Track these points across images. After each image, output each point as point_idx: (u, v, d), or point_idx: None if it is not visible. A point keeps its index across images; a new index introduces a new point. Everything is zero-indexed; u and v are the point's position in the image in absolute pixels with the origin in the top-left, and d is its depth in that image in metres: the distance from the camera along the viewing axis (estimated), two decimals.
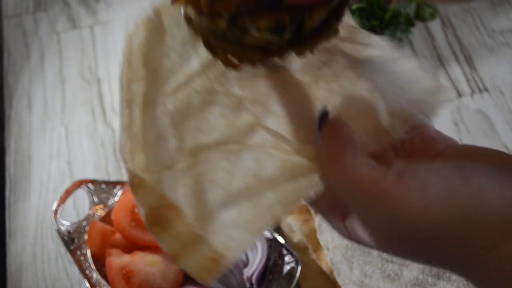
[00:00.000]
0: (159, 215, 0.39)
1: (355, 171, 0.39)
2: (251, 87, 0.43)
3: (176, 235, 0.39)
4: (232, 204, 0.40)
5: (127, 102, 0.43)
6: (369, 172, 0.39)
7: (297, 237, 0.84)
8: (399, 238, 0.39)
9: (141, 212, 0.40)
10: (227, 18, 0.39)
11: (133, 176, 0.40)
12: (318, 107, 0.43)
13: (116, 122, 1.04)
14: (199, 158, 0.41)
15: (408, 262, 0.77)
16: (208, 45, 0.42)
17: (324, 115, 0.43)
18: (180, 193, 0.40)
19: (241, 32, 0.39)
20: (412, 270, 0.76)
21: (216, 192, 0.40)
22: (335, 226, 0.44)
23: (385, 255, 0.78)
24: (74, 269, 0.90)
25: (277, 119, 0.43)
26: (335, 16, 0.40)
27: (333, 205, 0.44)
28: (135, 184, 0.40)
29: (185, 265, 0.39)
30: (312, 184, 0.41)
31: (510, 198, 0.37)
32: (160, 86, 0.43)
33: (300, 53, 0.41)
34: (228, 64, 0.41)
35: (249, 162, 0.41)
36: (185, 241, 0.39)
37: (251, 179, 0.41)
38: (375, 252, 0.78)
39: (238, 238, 0.40)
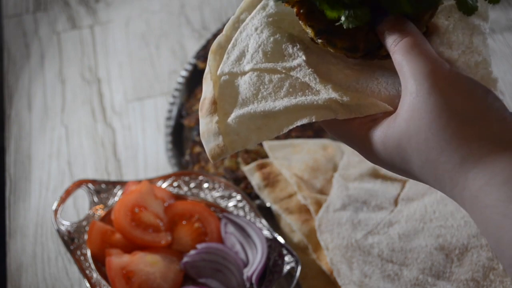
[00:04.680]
0: (204, 103, 0.56)
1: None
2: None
3: (207, 122, 0.55)
4: (249, 110, 0.53)
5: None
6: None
7: (297, 237, 0.84)
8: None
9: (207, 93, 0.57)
10: (315, 30, 0.51)
11: (211, 71, 0.58)
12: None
13: (116, 122, 1.05)
14: (251, 74, 0.55)
15: (408, 262, 0.77)
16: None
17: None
18: (226, 93, 0.56)
19: (322, 43, 0.51)
20: (412, 270, 0.76)
21: (245, 99, 0.55)
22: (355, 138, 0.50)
23: (385, 255, 0.78)
24: (74, 269, 0.90)
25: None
26: None
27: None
28: (206, 78, 0.58)
29: (204, 143, 0.55)
30: (319, 109, 0.51)
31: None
32: None
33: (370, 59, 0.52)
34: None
35: (284, 88, 0.53)
36: (209, 128, 0.55)
37: (272, 96, 0.53)
38: (375, 252, 0.78)
39: (244, 136, 0.54)
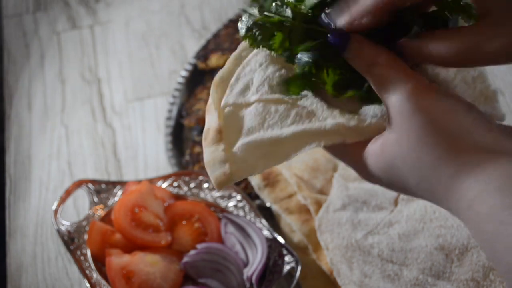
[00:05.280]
0: (208, 132, 0.57)
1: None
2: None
3: (213, 151, 0.56)
4: (256, 137, 0.54)
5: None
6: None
7: (297, 237, 0.84)
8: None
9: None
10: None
11: (214, 102, 0.58)
12: None
13: (116, 122, 1.05)
14: (256, 104, 0.56)
15: (408, 262, 0.77)
16: None
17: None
18: (231, 123, 0.56)
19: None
20: (412, 270, 0.76)
21: (250, 128, 0.55)
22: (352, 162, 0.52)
23: (385, 255, 0.78)
24: (74, 269, 0.90)
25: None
26: None
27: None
28: (210, 109, 0.58)
29: (209, 171, 0.56)
30: (325, 133, 0.52)
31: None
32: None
33: None
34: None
35: (290, 117, 0.54)
36: (214, 156, 0.56)
37: (278, 125, 0.54)
38: (375, 252, 0.78)
39: (251, 163, 0.54)
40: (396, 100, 0.46)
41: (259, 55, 0.60)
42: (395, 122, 0.46)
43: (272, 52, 0.57)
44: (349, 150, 0.52)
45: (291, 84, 0.54)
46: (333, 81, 0.53)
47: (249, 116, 0.57)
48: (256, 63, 0.60)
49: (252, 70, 0.60)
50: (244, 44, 0.61)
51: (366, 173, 0.51)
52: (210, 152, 0.57)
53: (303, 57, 0.52)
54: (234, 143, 0.57)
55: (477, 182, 0.42)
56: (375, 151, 0.48)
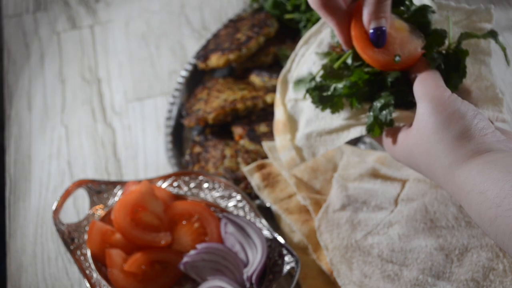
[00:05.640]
0: (278, 124, 0.75)
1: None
2: None
3: (282, 139, 0.74)
4: (313, 128, 0.71)
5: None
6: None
7: (297, 237, 0.84)
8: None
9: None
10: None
11: (281, 98, 0.77)
12: None
13: (116, 122, 1.05)
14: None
15: (408, 262, 0.77)
16: None
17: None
18: (293, 116, 0.75)
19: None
20: (412, 270, 0.76)
21: (309, 119, 0.72)
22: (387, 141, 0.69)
23: (384, 256, 0.78)
24: (74, 269, 0.90)
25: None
26: None
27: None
28: (277, 103, 0.78)
29: (281, 156, 0.74)
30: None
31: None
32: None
33: None
34: None
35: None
36: (283, 144, 0.73)
37: (329, 116, 0.71)
38: (375, 253, 0.78)
39: (313, 148, 0.72)
40: (422, 102, 0.61)
41: (312, 54, 0.73)
42: (418, 119, 0.62)
43: (324, 51, 0.72)
44: (384, 136, 0.69)
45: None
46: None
47: (307, 108, 0.71)
48: (310, 61, 0.73)
49: (308, 67, 0.73)
50: (300, 43, 0.76)
51: (393, 154, 0.68)
52: (280, 141, 0.73)
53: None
54: (298, 132, 0.72)
55: (464, 172, 0.57)
56: (400, 140, 0.65)
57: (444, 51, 0.68)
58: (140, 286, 0.80)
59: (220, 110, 0.94)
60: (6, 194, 1.00)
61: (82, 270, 0.80)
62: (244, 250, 0.81)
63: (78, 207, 0.95)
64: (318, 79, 0.70)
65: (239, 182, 0.90)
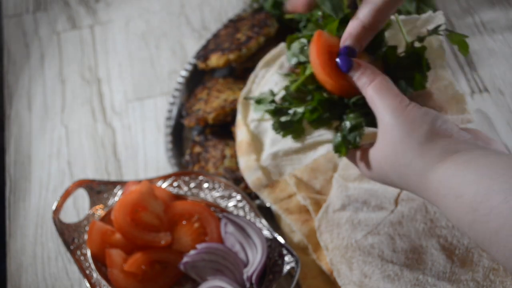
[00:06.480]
0: (241, 144, 0.73)
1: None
2: None
3: (246, 160, 0.73)
4: (279, 147, 0.71)
5: None
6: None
7: (297, 237, 0.84)
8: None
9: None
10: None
11: (242, 118, 0.78)
12: None
13: (116, 122, 1.05)
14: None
15: (408, 263, 0.77)
16: None
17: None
18: (257, 136, 0.74)
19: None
20: (412, 270, 0.76)
21: (273, 139, 0.72)
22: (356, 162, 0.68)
23: (385, 256, 0.78)
24: (74, 269, 0.90)
25: None
26: None
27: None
28: (239, 124, 0.78)
29: (246, 177, 0.75)
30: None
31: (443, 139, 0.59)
32: None
33: None
34: None
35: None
36: (248, 165, 0.73)
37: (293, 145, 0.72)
38: (375, 253, 0.78)
39: (279, 168, 0.72)
40: (384, 113, 0.61)
41: (274, 75, 0.72)
42: (382, 132, 0.62)
43: (284, 73, 0.71)
44: (352, 154, 0.68)
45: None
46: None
47: (271, 128, 0.69)
48: (273, 82, 0.72)
49: (270, 88, 0.72)
50: (260, 65, 0.75)
51: (366, 174, 0.66)
52: (245, 161, 0.72)
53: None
54: (263, 152, 0.70)
55: (437, 176, 0.57)
56: (369, 158, 0.64)
57: (402, 54, 0.68)
58: (140, 286, 0.80)
59: (220, 110, 0.94)
60: (6, 194, 1.00)
61: (82, 270, 0.80)
62: (244, 250, 0.81)
63: (78, 207, 0.95)
64: (278, 100, 0.69)
65: (239, 182, 0.90)
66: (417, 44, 0.69)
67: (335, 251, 0.79)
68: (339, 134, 0.66)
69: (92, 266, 0.81)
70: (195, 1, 1.18)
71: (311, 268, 0.82)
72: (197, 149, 0.96)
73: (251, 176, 0.70)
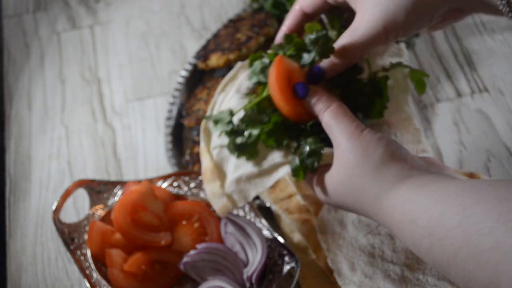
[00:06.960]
0: (206, 172, 0.72)
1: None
2: None
3: (212, 187, 0.71)
4: (242, 172, 0.70)
5: None
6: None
7: (297, 237, 0.84)
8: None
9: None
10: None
11: (206, 146, 0.74)
12: None
13: (116, 122, 1.05)
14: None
15: (409, 263, 0.77)
16: None
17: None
18: (220, 162, 0.72)
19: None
20: (413, 270, 0.76)
21: (237, 164, 0.71)
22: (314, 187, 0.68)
23: (385, 256, 0.78)
24: (74, 269, 0.90)
25: None
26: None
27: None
28: (203, 151, 0.74)
29: (213, 204, 0.71)
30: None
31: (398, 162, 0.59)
32: None
33: None
34: None
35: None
36: (214, 192, 0.71)
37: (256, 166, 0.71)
38: (375, 253, 0.78)
39: (244, 192, 0.70)
40: (340, 139, 0.62)
41: (232, 99, 0.73)
42: (337, 157, 0.62)
43: (242, 97, 0.72)
44: (309, 178, 0.68)
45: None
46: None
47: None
48: (234, 103, 0.72)
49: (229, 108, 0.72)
50: (218, 90, 0.75)
51: (324, 200, 0.66)
52: (210, 189, 0.71)
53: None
54: (227, 178, 0.70)
55: (391, 201, 0.57)
56: (325, 183, 0.64)
57: (365, 80, 0.70)
58: (140, 286, 0.80)
59: None
60: (6, 194, 1.00)
61: (82, 270, 0.80)
62: (244, 250, 0.81)
63: (78, 207, 0.95)
64: (236, 121, 0.70)
65: None
66: (380, 74, 0.71)
67: (336, 251, 0.79)
68: (297, 158, 0.66)
69: (92, 266, 0.81)
70: (195, 1, 1.18)
71: (311, 268, 0.82)
72: (197, 149, 0.96)
73: (217, 203, 0.70)
